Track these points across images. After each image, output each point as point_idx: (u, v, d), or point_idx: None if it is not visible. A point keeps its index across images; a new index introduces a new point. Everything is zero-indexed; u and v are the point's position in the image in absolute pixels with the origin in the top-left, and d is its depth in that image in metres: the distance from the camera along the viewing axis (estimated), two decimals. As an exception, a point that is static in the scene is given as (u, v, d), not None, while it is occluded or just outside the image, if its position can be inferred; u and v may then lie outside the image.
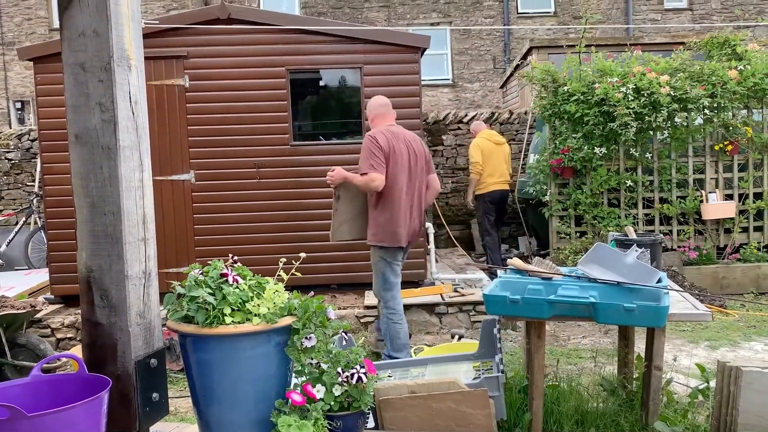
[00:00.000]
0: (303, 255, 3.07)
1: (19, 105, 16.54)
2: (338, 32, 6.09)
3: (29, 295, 6.36)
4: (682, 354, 4.87)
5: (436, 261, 6.92)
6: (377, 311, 4.95)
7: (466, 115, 9.69)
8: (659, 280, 3.04)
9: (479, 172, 7.66)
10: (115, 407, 2.55)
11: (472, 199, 7.89)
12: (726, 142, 7.19)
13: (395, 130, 4.42)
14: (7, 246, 8.12)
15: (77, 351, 3.50)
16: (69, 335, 5.58)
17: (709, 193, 7.24)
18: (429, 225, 6.60)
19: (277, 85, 6.04)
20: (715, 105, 7.01)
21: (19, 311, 4.53)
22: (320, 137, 6.27)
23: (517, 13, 16.86)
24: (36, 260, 8.00)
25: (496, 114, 9.85)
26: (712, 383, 3.40)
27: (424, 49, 6.14)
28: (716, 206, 7.17)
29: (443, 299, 5.81)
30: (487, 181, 7.69)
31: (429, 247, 6.51)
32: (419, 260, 6.16)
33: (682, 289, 3.84)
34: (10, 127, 14.37)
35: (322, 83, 6.40)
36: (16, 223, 8.42)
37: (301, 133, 6.23)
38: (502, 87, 13.15)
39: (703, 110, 7.01)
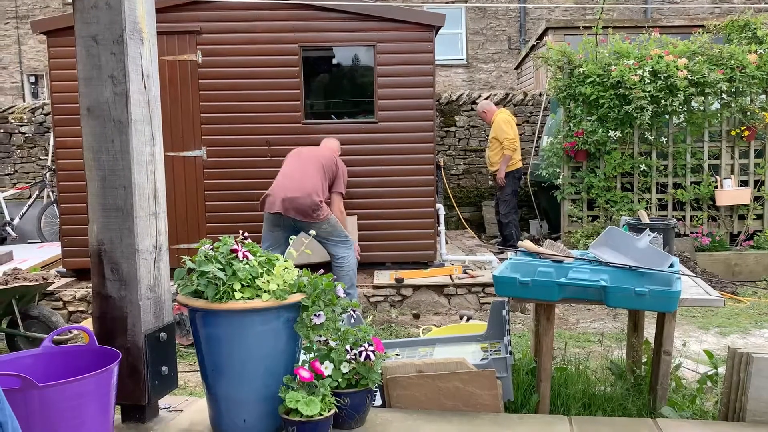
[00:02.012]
0: (312, 233, 3.07)
1: (33, 79, 16.57)
2: (352, 9, 6.03)
3: (42, 267, 6.41)
4: (691, 340, 4.85)
5: (446, 242, 6.91)
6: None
7: (479, 96, 9.60)
8: (671, 265, 3.01)
9: (515, 148, 7.60)
10: (124, 379, 2.58)
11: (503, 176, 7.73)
12: (743, 128, 7.09)
13: (305, 148, 5.46)
14: (20, 219, 8.18)
15: (88, 324, 3.53)
16: (80, 308, 5.63)
17: (724, 179, 7.16)
18: (440, 206, 6.58)
19: (290, 63, 6.00)
20: (734, 89, 6.91)
21: (32, 283, 4.57)
22: (332, 116, 6.24)
23: (534, -7, 16.62)
24: (49, 234, 8.07)
25: (510, 95, 9.76)
26: (721, 369, 3.38)
27: (439, 28, 6.07)
28: (731, 192, 7.10)
29: (452, 280, 5.81)
30: (515, 157, 7.66)
31: (439, 228, 6.50)
32: (429, 241, 6.16)
33: (694, 275, 3.81)
34: (24, 101, 14.41)
35: (335, 61, 6.36)
36: (30, 197, 8.48)
37: (313, 111, 6.21)
38: (516, 68, 13.02)
39: (721, 95, 6.90)
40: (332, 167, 5.24)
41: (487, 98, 9.50)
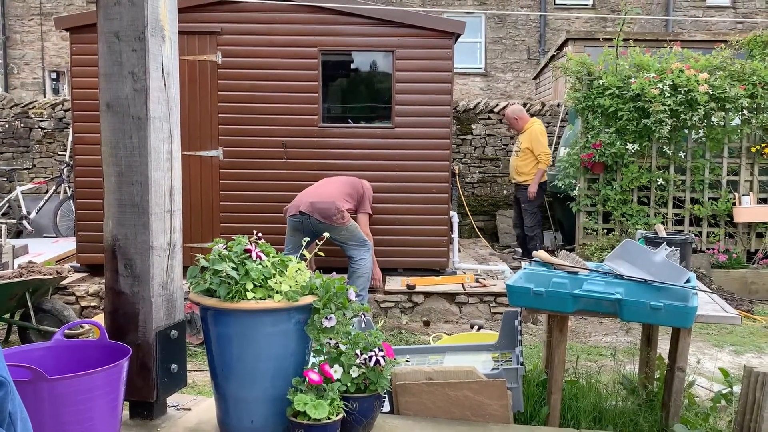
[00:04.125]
0: (326, 235, 3.06)
1: (54, 75, 16.77)
2: (372, 14, 6.03)
3: (56, 262, 6.45)
4: (705, 357, 4.78)
5: (459, 250, 6.88)
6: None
7: (497, 105, 9.57)
8: (688, 280, 2.97)
9: (550, 163, 7.47)
10: (134, 376, 2.58)
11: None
12: (763, 144, 7.01)
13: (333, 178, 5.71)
14: (36, 213, 8.26)
15: (100, 319, 3.54)
16: (93, 303, 5.66)
17: (743, 195, 7.07)
18: (453, 214, 6.55)
19: (309, 66, 6.01)
20: (755, 106, 6.83)
21: (46, 277, 4.60)
22: (349, 120, 6.25)
23: (555, 4, 16.61)
24: (64, 228, 8.13)
25: (528, 105, 9.72)
26: (736, 388, 3.33)
27: (459, 35, 6.06)
28: (749, 209, 7.01)
29: (464, 289, 5.78)
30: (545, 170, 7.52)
31: (452, 236, 6.47)
32: (441, 249, 6.13)
33: (711, 291, 3.76)
34: (45, 97, 14.58)
35: (353, 66, 6.36)
36: (47, 192, 8.56)
37: (330, 115, 6.21)
38: (535, 78, 12.98)
39: (742, 110, 6.83)
40: (358, 187, 5.54)
41: (506, 106, 9.45)
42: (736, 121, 7.00)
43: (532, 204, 7.59)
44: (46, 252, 6.65)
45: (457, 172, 9.00)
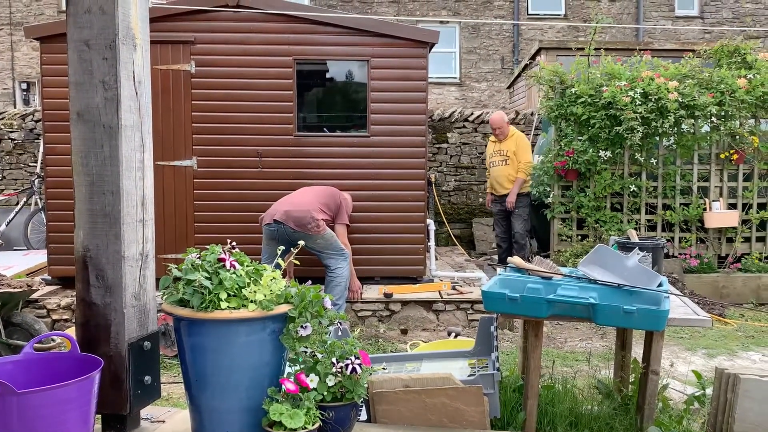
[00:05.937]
0: (301, 243, 3.05)
1: (24, 86, 16.52)
2: (347, 23, 6.05)
3: (27, 275, 6.34)
4: (678, 361, 4.84)
5: (436, 258, 6.89)
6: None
7: (471, 114, 9.65)
8: (660, 284, 3.01)
9: (531, 173, 7.34)
10: (106, 388, 2.54)
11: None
12: (732, 151, 7.15)
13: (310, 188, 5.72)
14: (6, 226, 8.10)
15: (72, 332, 3.48)
16: (65, 317, 5.56)
17: (713, 201, 7.21)
18: (430, 222, 6.58)
19: (284, 75, 6.01)
20: (723, 113, 6.97)
21: (16, 290, 4.52)
22: (324, 129, 6.25)
23: (528, 15, 16.82)
24: (35, 241, 7.99)
25: (502, 114, 9.80)
26: (709, 391, 3.38)
27: (433, 45, 6.10)
28: (719, 215, 7.14)
29: (441, 296, 5.79)
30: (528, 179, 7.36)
31: (429, 244, 6.49)
32: (418, 257, 6.14)
33: (682, 294, 3.81)
34: (15, 107, 14.35)
35: (328, 75, 6.37)
36: (17, 204, 8.41)
37: (306, 123, 6.21)
38: (509, 87, 13.11)
39: (711, 118, 6.96)
40: (336, 197, 5.53)
41: (480, 116, 9.52)
42: (706, 128, 7.14)
43: (524, 211, 7.33)
44: (17, 265, 6.54)
45: (433, 180, 9.05)
